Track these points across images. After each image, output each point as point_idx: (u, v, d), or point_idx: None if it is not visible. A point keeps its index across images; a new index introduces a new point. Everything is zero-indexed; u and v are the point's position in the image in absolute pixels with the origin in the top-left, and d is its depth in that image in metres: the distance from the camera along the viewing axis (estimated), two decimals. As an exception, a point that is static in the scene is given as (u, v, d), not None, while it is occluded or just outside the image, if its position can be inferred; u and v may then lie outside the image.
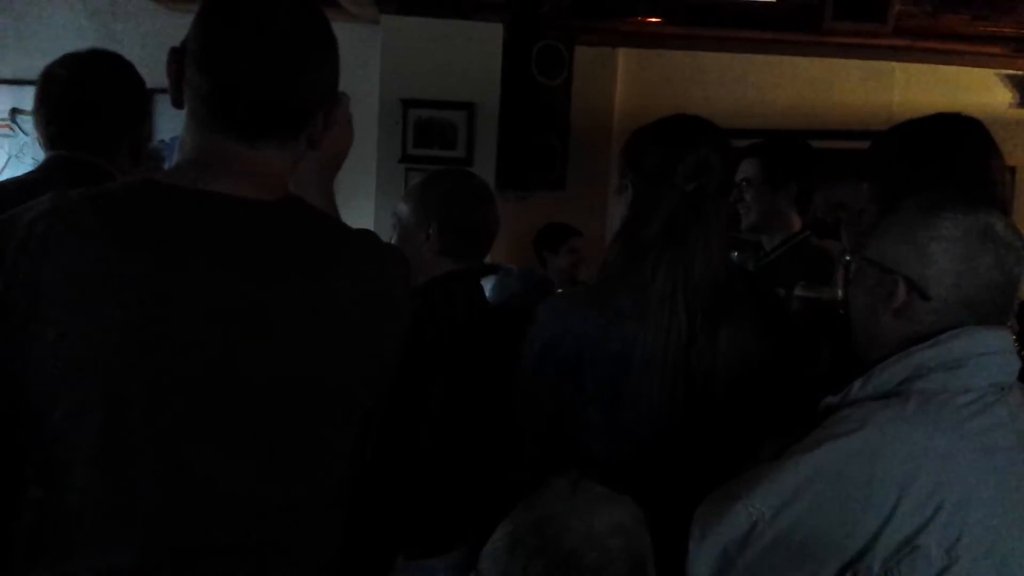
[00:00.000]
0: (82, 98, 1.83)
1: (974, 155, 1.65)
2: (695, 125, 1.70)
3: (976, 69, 4.50)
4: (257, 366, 1.06)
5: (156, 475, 1.04)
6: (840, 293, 1.83)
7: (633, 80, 4.87)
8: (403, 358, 1.23)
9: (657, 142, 1.67)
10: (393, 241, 2.01)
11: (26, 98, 3.12)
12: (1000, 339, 1.28)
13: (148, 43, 3.73)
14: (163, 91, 1.16)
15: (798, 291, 1.93)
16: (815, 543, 1.20)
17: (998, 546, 1.17)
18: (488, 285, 2.26)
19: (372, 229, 1.32)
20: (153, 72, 1.64)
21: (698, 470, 1.53)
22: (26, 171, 1.95)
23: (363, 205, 3.80)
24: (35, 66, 1.93)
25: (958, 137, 1.69)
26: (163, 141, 3.87)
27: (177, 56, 1.12)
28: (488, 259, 2.14)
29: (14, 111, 4.14)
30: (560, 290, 3.81)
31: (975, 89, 4.47)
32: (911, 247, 1.28)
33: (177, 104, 1.14)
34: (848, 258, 1.40)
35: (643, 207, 1.64)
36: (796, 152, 2.74)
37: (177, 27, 1.22)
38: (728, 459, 1.44)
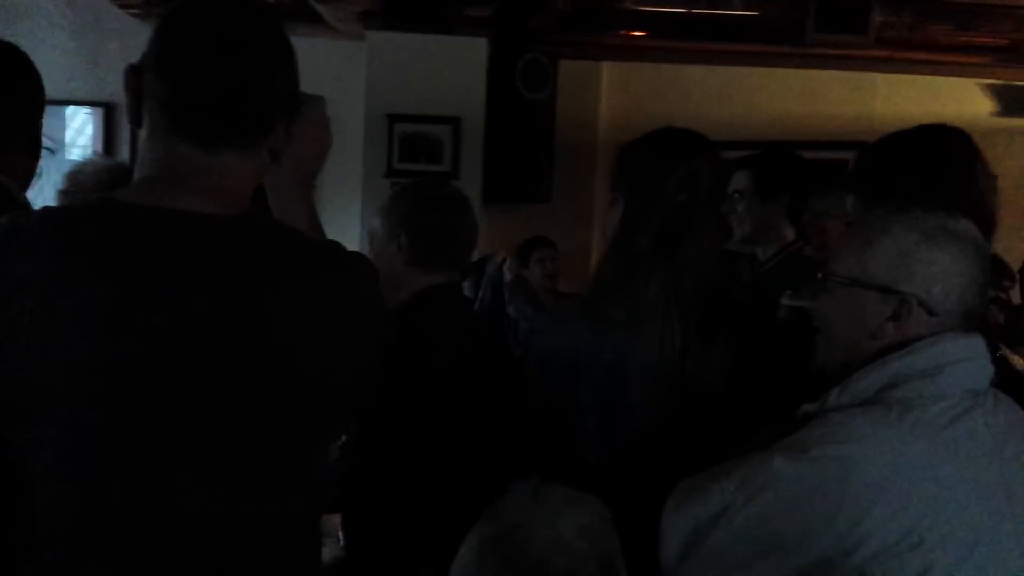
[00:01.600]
0: None
1: (959, 164, 1.65)
2: (685, 137, 1.71)
3: (958, 79, 4.53)
4: (222, 384, 1.04)
5: (125, 497, 1.02)
6: None
7: (618, 93, 4.90)
8: (386, 386, 1.21)
9: (647, 155, 1.68)
10: (369, 256, 1.98)
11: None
12: (973, 345, 1.28)
13: (135, 59, 3.72)
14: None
15: (785, 300, 1.94)
16: (782, 538, 1.21)
17: (977, 554, 1.18)
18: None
19: (357, 245, 1.32)
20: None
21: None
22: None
23: (349, 221, 3.79)
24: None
25: (942, 146, 1.69)
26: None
27: (135, 72, 1.12)
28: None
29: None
30: (538, 300, 3.86)
31: (957, 99, 4.51)
32: (913, 264, 1.27)
33: (136, 122, 1.13)
34: (820, 276, 1.38)
35: (634, 219, 1.65)
36: (787, 163, 2.75)
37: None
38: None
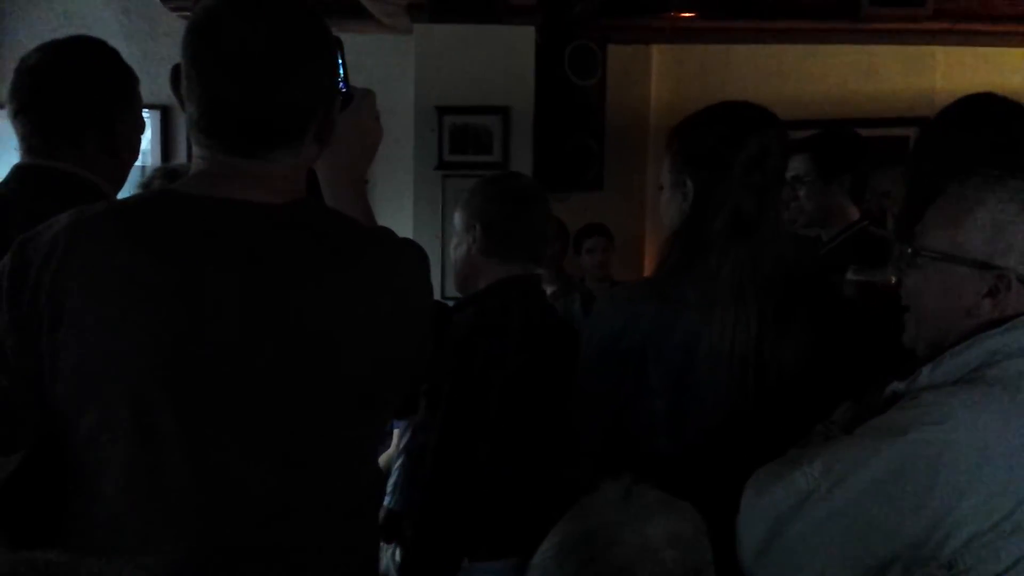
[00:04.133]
0: (45, 84, 1.63)
1: None
2: (750, 111, 1.65)
3: (1020, 49, 4.39)
4: (279, 367, 1.07)
5: (188, 479, 1.05)
6: (893, 278, 1.78)
7: (668, 76, 4.83)
8: (457, 371, 1.22)
9: (714, 131, 1.62)
10: (451, 246, 2.04)
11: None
12: None
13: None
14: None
15: (850, 275, 1.89)
16: (870, 525, 1.16)
17: None
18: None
19: (411, 237, 1.32)
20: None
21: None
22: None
23: (401, 214, 3.82)
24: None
25: (1010, 107, 1.62)
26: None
27: (176, 72, 1.14)
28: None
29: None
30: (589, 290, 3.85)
31: (1021, 70, 4.36)
32: (1011, 236, 1.20)
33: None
34: (910, 250, 1.31)
35: (704, 199, 1.60)
36: (847, 143, 2.70)
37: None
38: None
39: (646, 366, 1.58)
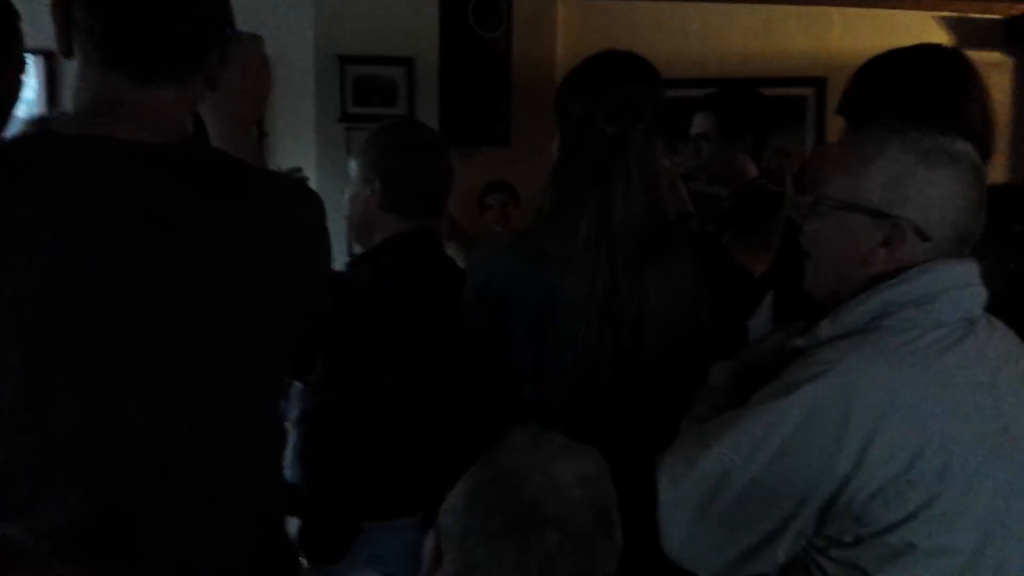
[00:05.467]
0: None
1: (950, 85, 1.58)
2: (618, 63, 1.65)
3: (913, 12, 4.53)
4: (168, 308, 1.06)
5: (82, 428, 1.03)
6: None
7: (574, 32, 4.81)
8: (353, 328, 1.20)
9: (578, 84, 1.64)
10: (345, 199, 1.95)
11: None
12: (968, 271, 1.25)
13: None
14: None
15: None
16: (789, 486, 1.18)
17: (976, 482, 1.16)
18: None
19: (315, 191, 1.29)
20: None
21: (631, 418, 1.55)
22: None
23: (304, 166, 3.71)
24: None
25: (933, 66, 1.61)
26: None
27: (62, 0, 1.08)
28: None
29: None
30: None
31: (913, 33, 4.50)
32: (908, 187, 1.22)
33: (65, 52, 1.11)
34: (810, 199, 1.32)
35: (569, 152, 1.62)
36: (750, 102, 2.76)
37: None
38: (663, 407, 1.44)
39: (510, 317, 1.60)
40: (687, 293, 1.59)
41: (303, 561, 1.83)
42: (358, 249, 2.03)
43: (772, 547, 1.21)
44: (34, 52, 4.12)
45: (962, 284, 1.24)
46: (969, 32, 4.57)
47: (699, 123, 2.64)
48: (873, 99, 1.61)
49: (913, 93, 1.56)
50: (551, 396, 1.59)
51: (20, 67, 1.62)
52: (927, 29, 4.60)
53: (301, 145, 3.89)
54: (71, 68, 1.12)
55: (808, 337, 1.27)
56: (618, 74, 1.62)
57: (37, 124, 2.04)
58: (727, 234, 2.41)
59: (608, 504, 1.11)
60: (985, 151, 1.45)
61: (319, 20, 3.76)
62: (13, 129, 1.67)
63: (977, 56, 1.73)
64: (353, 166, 1.93)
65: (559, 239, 1.58)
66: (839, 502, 1.17)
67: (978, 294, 1.26)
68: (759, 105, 2.78)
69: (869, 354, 1.20)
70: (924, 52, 1.65)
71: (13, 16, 1.61)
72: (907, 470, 1.15)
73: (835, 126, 4.28)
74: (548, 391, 1.60)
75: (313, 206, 1.22)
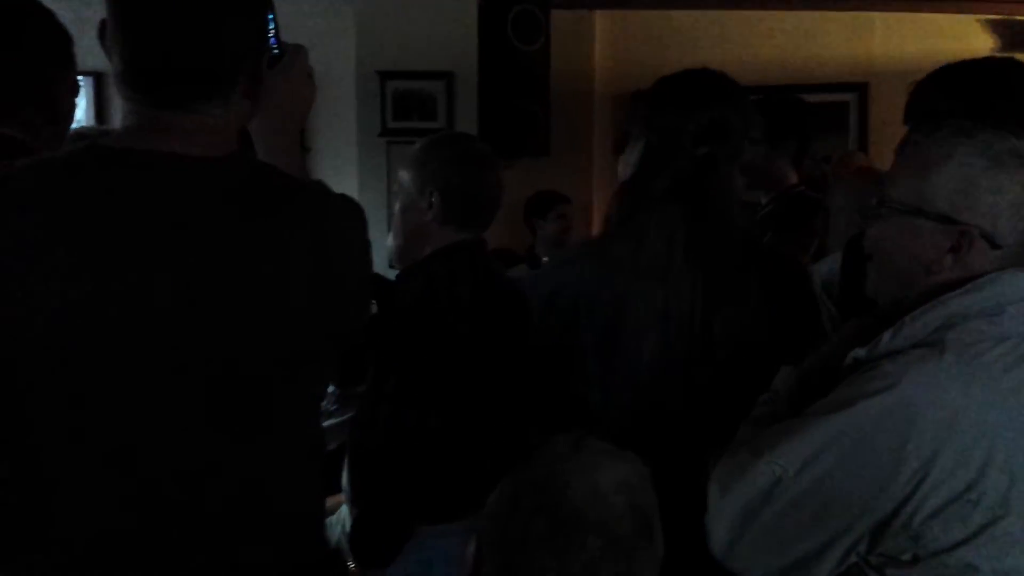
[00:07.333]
0: None
1: (1016, 96, 1.54)
2: (708, 84, 1.67)
3: (957, 16, 4.46)
4: (212, 322, 1.06)
5: (120, 440, 1.04)
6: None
7: (612, 42, 4.82)
8: (406, 339, 1.20)
9: (668, 102, 1.66)
10: (396, 210, 1.96)
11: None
12: None
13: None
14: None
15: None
16: (842, 502, 1.15)
17: None
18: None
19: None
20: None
21: (699, 426, 1.53)
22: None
23: (346, 181, 3.77)
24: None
25: (1001, 75, 1.60)
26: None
27: (103, 26, 1.11)
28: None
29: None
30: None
31: (957, 36, 4.43)
32: (978, 192, 1.16)
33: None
34: (875, 201, 1.27)
35: (651, 165, 1.63)
36: (791, 109, 2.76)
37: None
38: (730, 416, 1.43)
39: (579, 324, 1.61)
40: (759, 310, 1.59)
41: (351, 565, 1.85)
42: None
43: (820, 560, 1.18)
44: (83, 73, 4.27)
45: None
46: (1013, 35, 4.49)
47: None
48: (938, 105, 1.59)
49: (978, 98, 1.53)
50: (617, 403, 1.60)
51: (74, 91, 1.67)
52: (971, 32, 4.53)
53: (342, 159, 3.95)
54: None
55: (869, 348, 1.22)
56: (712, 95, 1.64)
57: (79, 138, 2.12)
58: (766, 236, 2.41)
59: (649, 511, 1.10)
60: None
61: (360, 37, 3.81)
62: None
63: (1022, 59, 1.72)
64: (405, 179, 1.94)
65: (629, 245, 1.59)
66: (896, 521, 1.14)
67: None
68: (801, 111, 2.78)
69: (932, 369, 1.14)
70: (991, 61, 1.66)
71: (68, 43, 1.66)
72: (970, 490, 1.11)
73: (878, 132, 4.25)
74: (615, 398, 1.61)
75: (353, 214, 1.22)
